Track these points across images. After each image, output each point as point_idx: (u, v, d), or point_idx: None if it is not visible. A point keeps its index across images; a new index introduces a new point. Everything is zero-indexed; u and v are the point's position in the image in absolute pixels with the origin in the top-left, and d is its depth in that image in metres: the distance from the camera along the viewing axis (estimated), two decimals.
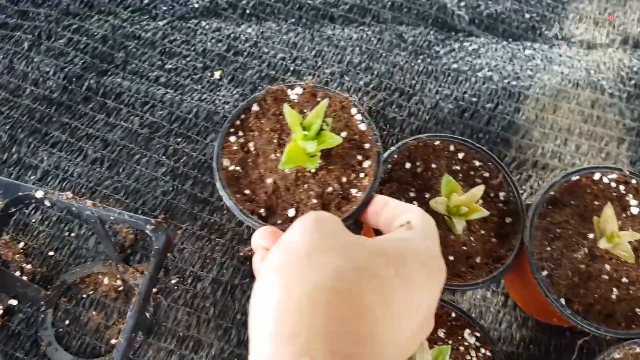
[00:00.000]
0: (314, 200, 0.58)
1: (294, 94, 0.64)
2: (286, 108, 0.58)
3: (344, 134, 0.62)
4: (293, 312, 0.32)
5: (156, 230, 0.55)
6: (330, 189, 0.59)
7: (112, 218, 0.56)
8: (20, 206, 0.57)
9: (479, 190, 0.59)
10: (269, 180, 0.59)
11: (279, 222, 0.57)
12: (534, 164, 0.80)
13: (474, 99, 0.84)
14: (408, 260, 0.37)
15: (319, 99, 0.64)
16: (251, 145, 0.61)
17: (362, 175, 0.60)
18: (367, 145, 0.62)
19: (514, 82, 0.87)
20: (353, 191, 0.59)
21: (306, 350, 0.30)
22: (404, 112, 0.83)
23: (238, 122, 0.62)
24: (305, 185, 0.59)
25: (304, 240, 0.36)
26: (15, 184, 0.56)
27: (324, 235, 0.37)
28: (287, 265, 0.35)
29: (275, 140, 0.61)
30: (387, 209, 0.48)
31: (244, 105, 0.62)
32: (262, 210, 0.58)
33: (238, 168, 0.60)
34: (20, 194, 0.56)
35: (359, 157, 0.61)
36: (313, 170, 0.59)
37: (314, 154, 0.58)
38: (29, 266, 0.66)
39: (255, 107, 0.63)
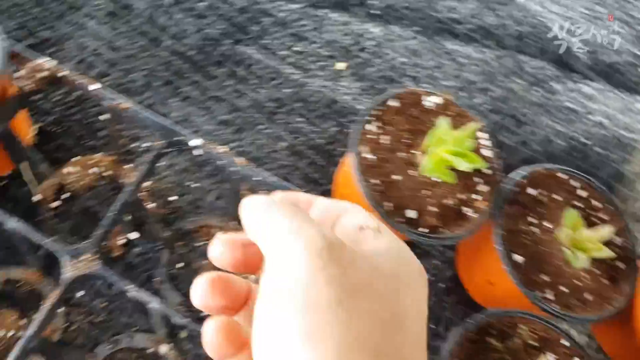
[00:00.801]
0: (434, 209, 0.60)
1: (430, 101, 0.66)
2: (443, 121, 0.60)
3: None
4: None
5: None
6: (446, 201, 0.61)
7: (254, 180, 0.59)
8: (173, 149, 0.60)
9: (608, 231, 0.60)
10: (396, 177, 0.61)
11: (397, 219, 0.59)
12: (632, 215, 0.81)
13: (585, 141, 0.86)
14: (412, 281, 0.30)
15: (449, 112, 0.66)
16: (384, 139, 0.63)
17: (475, 196, 0.62)
18: (486, 171, 0.64)
19: (624, 133, 0.88)
20: (467, 210, 0.62)
21: None
22: (515, 138, 0.84)
23: (375, 113, 0.64)
24: (426, 192, 0.61)
25: (328, 283, 0.26)
26: (172, 129, 0.59)
27: (343, 270, 0.26)
28: (317, 326, 0.25)
29: (406, 141, 0.64)
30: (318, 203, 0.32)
31: (382, 99, 0.65)
32: (389, 204, 0.60)
33: (373, 157, 0.62)
34: (175, 138, 0.59)
35: (475, 179, 0.64)
36: (435, 180, 0.61)
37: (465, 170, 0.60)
38: (152, 205, 0.69)
39: (393, 103, 0.65)
